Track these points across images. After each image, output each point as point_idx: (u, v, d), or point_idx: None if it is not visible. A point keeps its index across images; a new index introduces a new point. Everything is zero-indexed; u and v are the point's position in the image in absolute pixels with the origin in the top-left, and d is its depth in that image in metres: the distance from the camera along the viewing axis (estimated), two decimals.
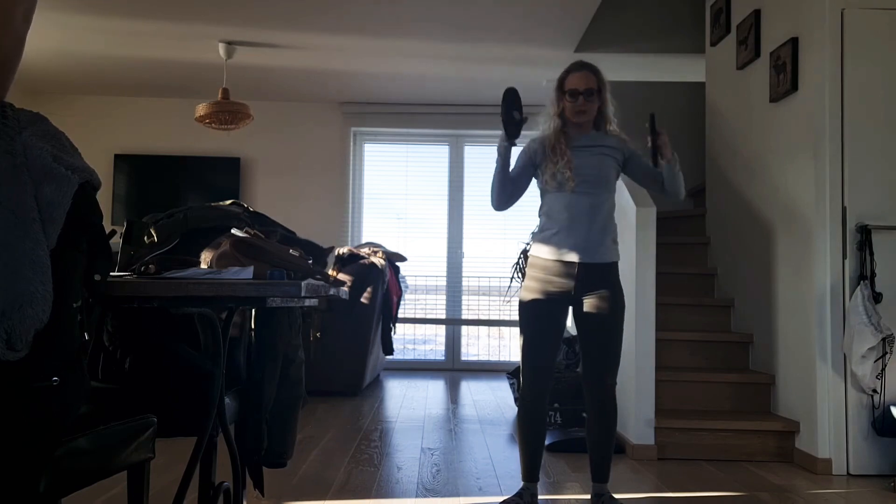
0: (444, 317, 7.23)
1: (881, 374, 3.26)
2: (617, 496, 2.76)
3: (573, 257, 2.63)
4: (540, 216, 2.79)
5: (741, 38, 4.25)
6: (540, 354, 2.68)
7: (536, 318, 2.68)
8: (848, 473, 3.32)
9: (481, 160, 7.34)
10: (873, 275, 3.33)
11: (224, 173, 7.06)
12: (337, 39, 5.44)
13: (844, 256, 3.39)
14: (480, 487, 3.02)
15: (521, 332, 2.72)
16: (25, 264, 1.18)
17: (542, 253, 2.69)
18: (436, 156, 7.39)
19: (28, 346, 1.18)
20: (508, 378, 5.05)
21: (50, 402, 1.24)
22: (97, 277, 1.35)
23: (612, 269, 2.67)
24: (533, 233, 2.81)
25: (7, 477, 1.21)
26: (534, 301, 2.68)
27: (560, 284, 2.65)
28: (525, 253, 4.73)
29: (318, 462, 3.35)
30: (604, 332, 2.64)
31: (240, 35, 5.37)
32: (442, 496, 2.88)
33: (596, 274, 2.63)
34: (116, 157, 7.01)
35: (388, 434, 4.03)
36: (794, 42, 3.65)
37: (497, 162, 2.73)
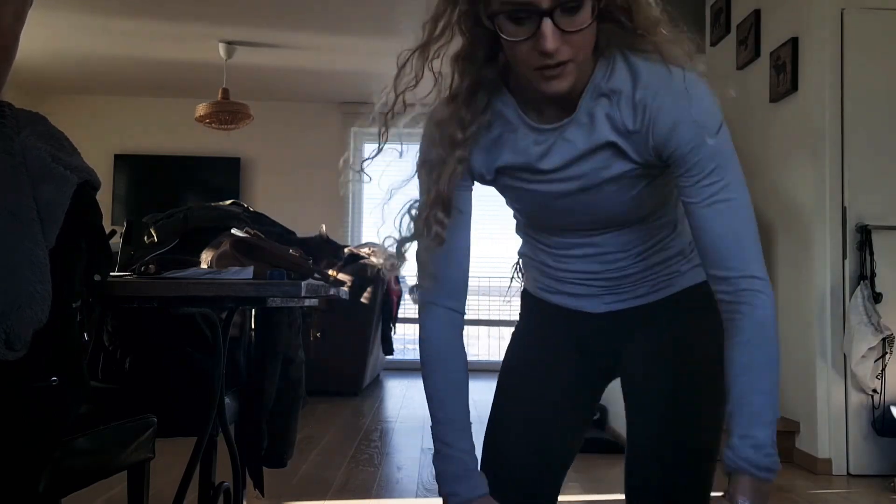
0: None
1: (881, 374, 3.26)
2: (617, 496, 2.76)
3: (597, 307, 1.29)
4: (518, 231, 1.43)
5: (741, 38, 4.25)
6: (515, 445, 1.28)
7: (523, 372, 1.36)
8: (848, 473, 3.32)
9: None
10: (873, 275, 3.33)
11: (224, 173, 7.05)
12: (337, 39, 5.44)
13: (844, 256, 3.39)
14: None
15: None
16: (24, 264, 1.18)
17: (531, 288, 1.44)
18: None
19: (27, 345, 1.18)
20: None
21: (49, 402, 1.24)
22: (97, 278, 1.35)
23: (671, 304, 1.26)
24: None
25: (7, 477, 1.21)
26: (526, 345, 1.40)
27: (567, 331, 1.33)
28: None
29: (318, 462, 3.35)
30: (658, 406, 1.20)
31: (240, 35, 5.36)
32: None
33: (639, 316, 1.27)
34: (116, 157, 7.00)
35: (388, 434, 4.03)
36: (794, 42, 3.64)
37: None
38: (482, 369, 7.11)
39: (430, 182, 1.20)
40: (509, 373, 1.36)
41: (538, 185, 1.16)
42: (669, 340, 1.23)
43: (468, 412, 1.24)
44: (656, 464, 1.18)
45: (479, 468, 1.20)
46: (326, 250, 2.49)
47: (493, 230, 7.09)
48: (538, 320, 1.37)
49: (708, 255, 1.07)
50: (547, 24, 0.96)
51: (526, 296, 1.45)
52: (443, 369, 1.26)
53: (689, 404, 1.17)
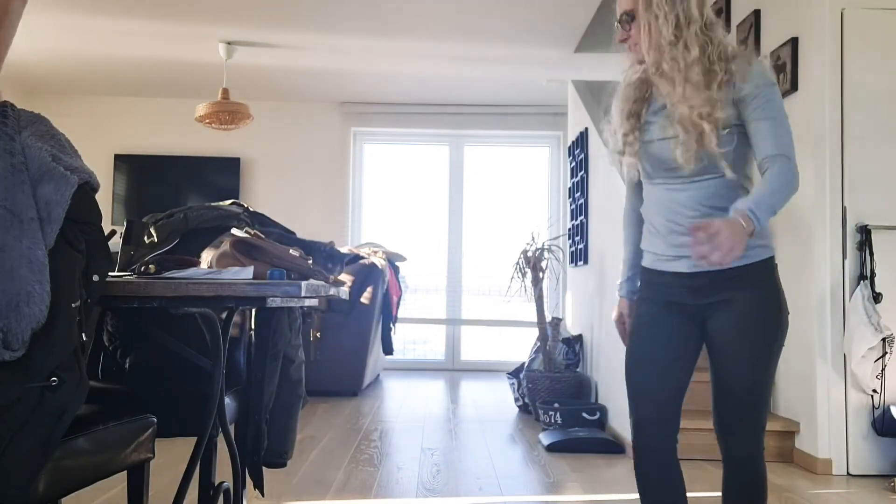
0: (444, 317, 7.22)
1: (881, 374, 3.26)
2: (617, 496, 2.77)
3: (675, 267, 1.79)
4: None
5: (741, 38, 4.25)
6: (643, 390, 1.86)
7: (639, 332, 1.88)
8: (848, 473, 3.32)
9: (481, 160, 7.34)
10: (873, 275, 3.33)
11: (224, 173, 7.05)
12: (337, 39, 5.44)
13: (844, 256, 3.39)
14: (480, 487, 3.01)
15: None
16: (23, 264, 1.18)
17: (645, 260, 1.90)
18: (436, 156, 7.39)
19: (25, 345, 1.18)
20: (508, 378, 5.05)
21: (48, 402, 1.24)
22: (96, 278, 1.35)
23: (742, 275, 1.74)
24: None
25: (7, 477, 1.21)
26: (639, 312, 1.90)
27: (669, 293, 1.82)
28: (525, 253, 4.73)
29: (318, 462, 3.35)
30: (725, 362, 1.81)
31: (240, 35, 5.36)
32: (442, 496, 2.88)
33: (717, 283, 1.75)
34: (116, 157, 7.00)
35: (388, 434, 4.03)
36: (794, 42, 3.64)
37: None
38: (482, 369, 7.13)
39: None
40: (638, 325, 1.89)
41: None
42: (737, 318, 1.76)
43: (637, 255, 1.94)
44: (720, 403, 1.82)
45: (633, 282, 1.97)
46: (320, 258, 2.48)
47: (494, 232, 7.11)
48: (653, 288, 1.86)
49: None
50: (617, 26, 1.82)
51: (644, 270, 1.91)
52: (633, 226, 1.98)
53: (749, 359, 1.77)
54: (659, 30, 1.74)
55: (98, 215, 1.35)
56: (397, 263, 6.04)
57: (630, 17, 1.78)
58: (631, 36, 1.79)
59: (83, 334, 1.32)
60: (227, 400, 1.92)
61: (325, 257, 2.33)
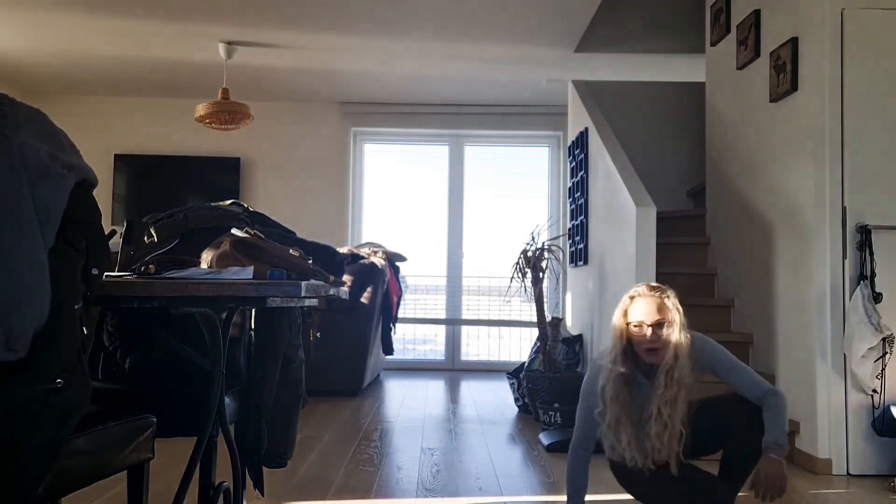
0: (444, 317, 7.22)
1: (881, 374, 3.26)
2: (616, 496, 2.76)
3: None
4: None
5: (741, 38, 4.25)
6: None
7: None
8: (848, 473, 3.32)
9: (481, 160, 7.34)
10: (873, 275, 3.33)
11: (224, 173, 7.05)
12: (337, 39, 5.44)
13: (844, 256, 3.39)
14: (480, 487, 3.01)
15: None
16: (23, 265, 1.17)
17: None
18: (436, 156, 7.39)
19: (27, 347, 1.18)
20: (508, 378, 5.05)
21: (54, 404, 1.24)
22: (95, 271, 1.35)
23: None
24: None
25: (14, 479, 1.20)
26: None
27: None
28: (525, 253, 4.73)
29: (318, 462, 3.35)
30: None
31: (240, 35, 5.36)
32: (442, 496, 2.88)
33: None
34: (116, 157, 7.00)
35: (388, 434, 4.03)
36: (794, 42, 3.64)
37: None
38: (482, 369, 7.13)
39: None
40: None
41: None
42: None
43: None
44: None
45: None
46: (335, 266, 2.48)
47: (494, 232, 7.11)
48: None
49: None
50: (649, 329, 2.30)
51: None
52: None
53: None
54: (680, 329, 2.28)
55: (97, 213, 1.35)
56: (397, 263, 6.04)
57: (661, 324, 2.27)
58: (659, 339, 2.27)
59: (83, 328, 1.32)
60: (227, 400, 1.92)
61: (337, 267, 2.34)
